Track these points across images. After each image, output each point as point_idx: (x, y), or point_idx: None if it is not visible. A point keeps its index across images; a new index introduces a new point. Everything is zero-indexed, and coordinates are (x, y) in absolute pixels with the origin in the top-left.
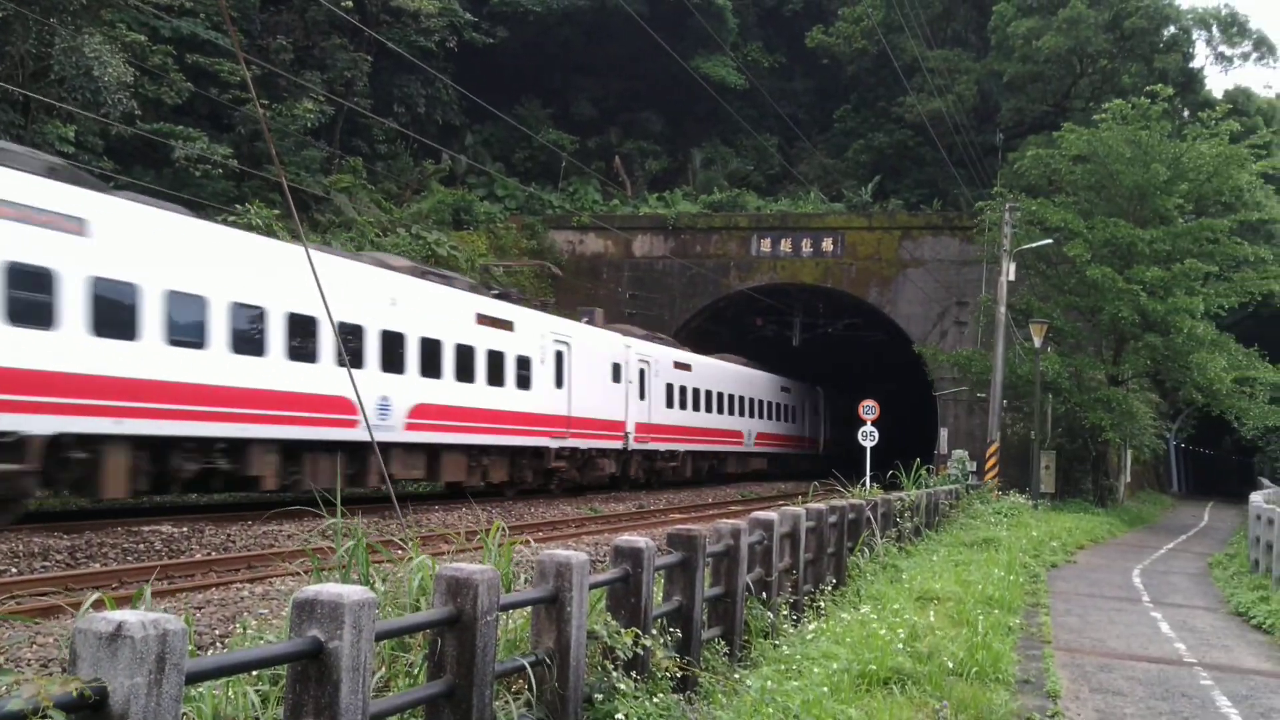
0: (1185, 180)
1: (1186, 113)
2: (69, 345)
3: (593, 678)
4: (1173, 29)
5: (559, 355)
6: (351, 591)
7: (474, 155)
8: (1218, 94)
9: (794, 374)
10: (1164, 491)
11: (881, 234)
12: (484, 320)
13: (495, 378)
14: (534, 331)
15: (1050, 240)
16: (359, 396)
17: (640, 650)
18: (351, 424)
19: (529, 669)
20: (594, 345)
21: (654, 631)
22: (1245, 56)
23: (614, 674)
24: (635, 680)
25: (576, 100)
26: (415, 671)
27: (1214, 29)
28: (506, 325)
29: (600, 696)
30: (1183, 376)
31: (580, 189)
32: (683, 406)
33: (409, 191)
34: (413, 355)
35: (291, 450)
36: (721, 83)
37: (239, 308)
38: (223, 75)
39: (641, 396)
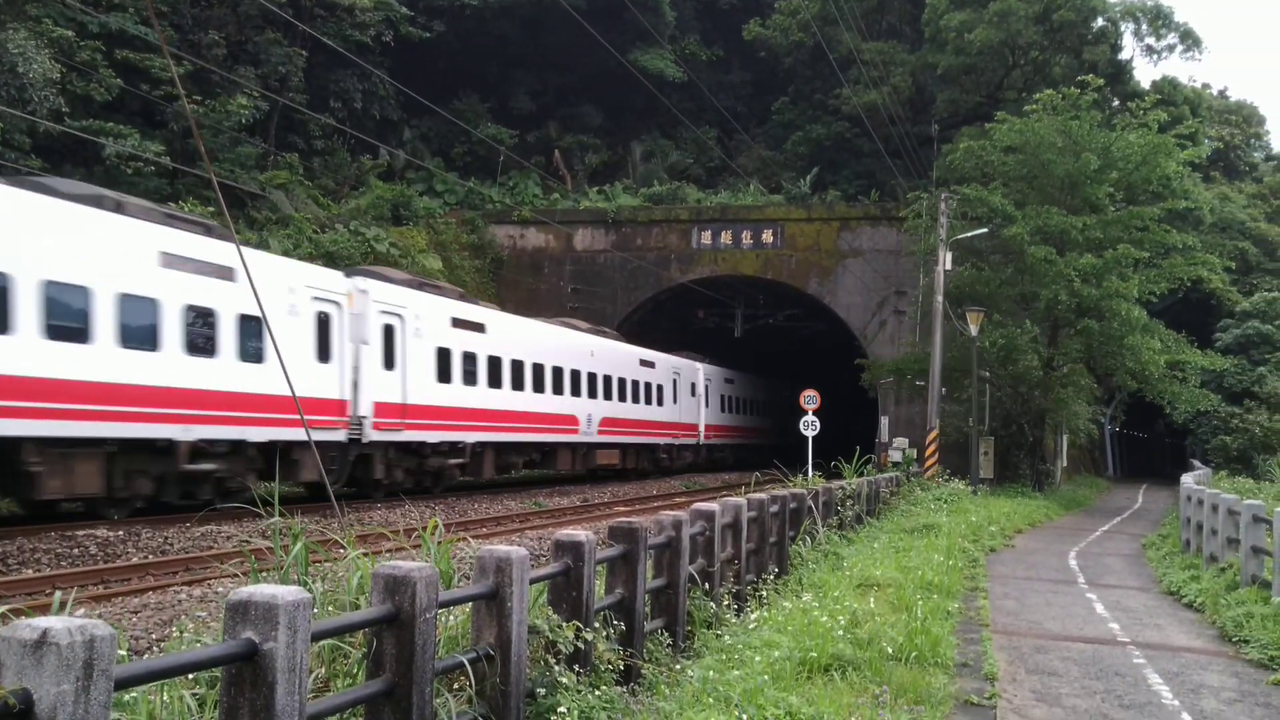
0: (1115, 169)
1: (1116, 103)
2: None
3: (535, 672)
4: (1101, 21)
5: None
6: (286, 592)
7: (412, 150)
8: (1146, 85)
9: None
10: (1099, 475)
11: (820, 225)
12: (644, 363)
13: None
14: (683, 369)
15: (985, 229)
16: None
17: (582, 644)
18: (574, 431)
19: (470, 665)
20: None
21: (596, 625)
22: (1171, 49)
23: (556, 668)
24: (578, 674)
25: (515, 94)
26: (355, 671)
27: (1141, 22)
28: (650, 364)
29: (543, 691)
30: (1117, 362)
31: (520, 183)
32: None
33: (347, 187)
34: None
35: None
36: (660, 76)
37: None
38: (154, 71)
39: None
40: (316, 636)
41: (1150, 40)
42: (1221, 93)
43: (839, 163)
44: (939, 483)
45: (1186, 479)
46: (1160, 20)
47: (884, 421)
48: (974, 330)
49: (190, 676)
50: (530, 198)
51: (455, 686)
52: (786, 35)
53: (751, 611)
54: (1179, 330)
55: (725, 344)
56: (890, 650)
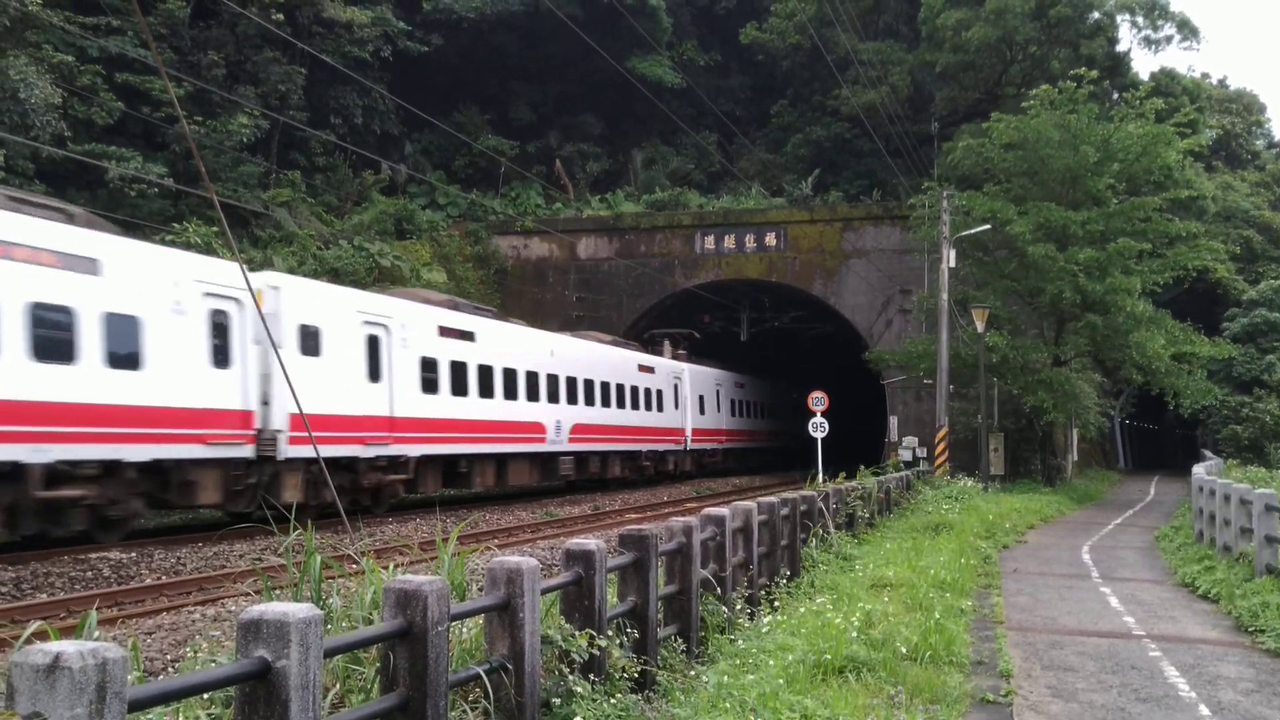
0: (1116, 161)
1: (1116, 95)
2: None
3: (549, 682)
4: (1097, 15)
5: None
6: (297, 609)
7: (414, 164)
8: (1145, 76)
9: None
10: (1111, 468)
11: (823, 226)
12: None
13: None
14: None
15: (988, 225)
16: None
17: (595, 652)
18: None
19: (484, 677)
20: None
21: (609, 632)
22: (1169, 39)
23: (570, 677)
24: (592, 682)
25: (514, 105)
26: (370, 686)
27: (1137, 14)
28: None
29: (558, 701)
30: (1122, 356)
31: (522, 194)
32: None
33: (350, 203)
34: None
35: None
36: (658, 82)
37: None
38: (154, 94)
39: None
40: (329, 653)
41: (1148, 32)
42: (1221, 82)
43: (840, 164)
44: (949, 480)
45: (1198, 469)
46: (1156, 11)
47: (893, 421)
48: (980, 326)
49: (205, 696)
50: (533, 208)
51: (471, 698)
52: (783, 38)
53: (765, 615)
54: (1184, 320)
55: (731, 348)
56: (904, 650)
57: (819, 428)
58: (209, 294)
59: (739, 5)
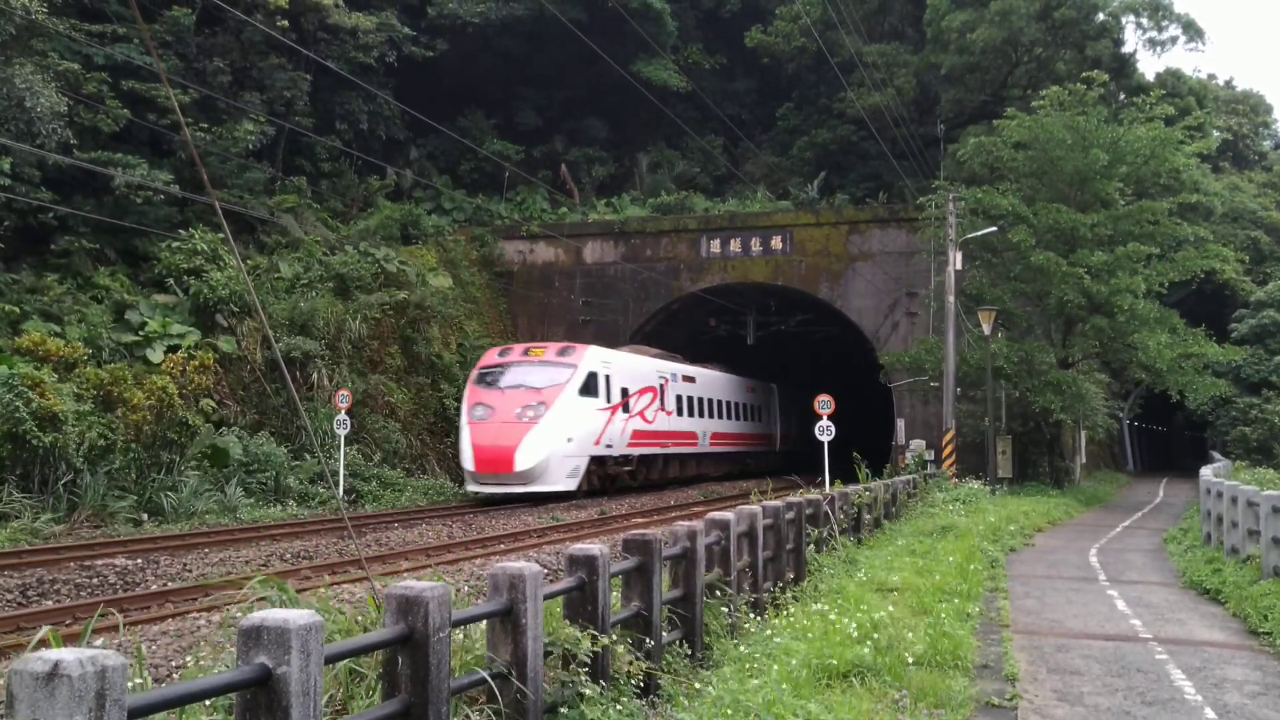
0: (1124, 164)
1: (1122, 96)
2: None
3: (552, 687)
4: (1102, 16)
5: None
6: (298, 616)
7: (419, 169)
8: (1150, 77)
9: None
10: (1119, 470)
11: (829, 229)
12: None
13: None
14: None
15: (995, 228)
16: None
17: (600, 651)
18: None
19: (489, 681)
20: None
21: (613, 637)
22: (1174, 40)
23: (573, 682)
24: (596, 687)
25: (520, 110)
26: (372, 692)
27: (1141, 15)
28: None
29: (562, 707)
30: (1127, 356)
31: (528, 198)
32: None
33: (355, 209)
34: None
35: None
36: (664, 86)
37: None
38: (160, 100)
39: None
40: (330, 659)
41: (1152, 33)
42: (1228, 83)
43: (846, 166)
44: (956, 483)
45: (1205, 471)
46: (1160, 12)
47: (900, 424)
48: (987, 329)
49: (208, 703)
50: (538, 212)
51: (475, 704)
52: (788, 41)
53: (770, 619)
54: (1194, 322)
55: (737, 351)
56: (909, 654)
57: (825, 431)
58: (750, 389)
59: (744, 8)
